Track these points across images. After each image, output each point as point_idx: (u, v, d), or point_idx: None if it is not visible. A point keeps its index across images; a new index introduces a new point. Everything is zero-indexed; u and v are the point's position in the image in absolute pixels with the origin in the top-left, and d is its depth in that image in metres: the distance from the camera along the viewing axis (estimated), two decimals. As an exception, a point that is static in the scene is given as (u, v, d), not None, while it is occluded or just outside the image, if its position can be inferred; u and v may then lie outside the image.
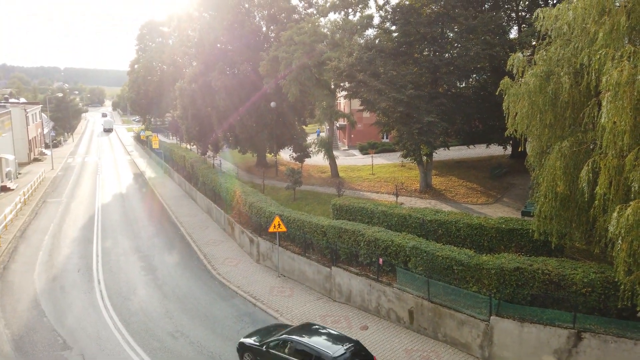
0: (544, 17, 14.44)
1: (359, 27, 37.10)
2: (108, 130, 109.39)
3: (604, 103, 11.64)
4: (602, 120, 11.63)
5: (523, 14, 35.96)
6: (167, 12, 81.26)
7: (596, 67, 12.27)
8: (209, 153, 50.70)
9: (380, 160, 48.11)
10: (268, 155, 49.91)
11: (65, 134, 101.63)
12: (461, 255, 16.42)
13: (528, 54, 15.82)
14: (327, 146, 40.29)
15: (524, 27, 33.86)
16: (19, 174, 52.50)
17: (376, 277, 18.75)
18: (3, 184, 44.17)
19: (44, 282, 23.36)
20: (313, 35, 36.35)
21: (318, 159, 46.35)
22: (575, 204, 13.85)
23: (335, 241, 20.76)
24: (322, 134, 60.76)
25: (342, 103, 58.96)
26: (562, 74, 13.65)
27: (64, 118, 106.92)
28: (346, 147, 63.10)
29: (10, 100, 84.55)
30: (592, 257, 18.45)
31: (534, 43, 28.25)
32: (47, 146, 75.64)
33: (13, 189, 44.10)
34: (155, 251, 27.88)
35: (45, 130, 79.99)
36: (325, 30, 38.69)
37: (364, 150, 55.54)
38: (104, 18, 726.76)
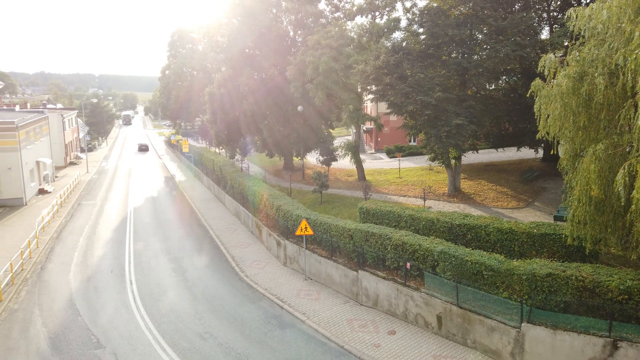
0: (576, 17, 14.09)
1: (386, 30, 37.03)
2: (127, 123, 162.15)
3: (640, 104, 11.28)
4: (639, 122, 11.26)
5: (555, 14, 35.18)
6: (197, 19, 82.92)
7: (632, 67, 11.88)
8: (237, 157, 51.40)
9: (407, 163, 47.75)
10: (295, 158, 50.23)
11: (100, 138, 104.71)
12: (491, 260, 16.12)
13: (560, 54, 15.44)
14: (353, 149, 40.27)
15: (555, 28, 33.11)
16: (56, 177, 54.40)
17: (404, 281, 18.60)
18: (41, 186, 45.84)
19: (78, 282, 24.11)
20: (340, 38, 36.47)
21: (345, 163, 46.37)
22: (610, 208, 13.43)
23: (362, 245, 20.71)
24: (349, 138, 60.67)
25: (369, 106, 58.84)
26: (596, 74, 13.27)
27: (98, 123, 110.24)
28: (373, 151, 62.90)
29: (48, 106, 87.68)
30: (629, 264, 17.88)
31: (566, 44, 27.57)
32: (82, 150, 78.13)
33: (50, 192, 45.71)
34: (185, 253, 28.40)
35: (81, 135, 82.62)
36: (352, 34, 38.79)
37: (391, 154, 55.28)
38: (137, 25, 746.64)
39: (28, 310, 20.99)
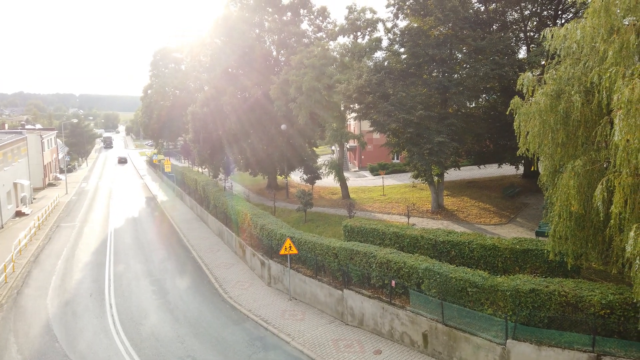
0: (552, 37, 14.48)
1: (367, 49, 37.55)
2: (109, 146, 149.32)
3: (616, 121, 11.53)
4: (615, 138, 11.51)
5: (531, 34, 36.14)
6: (181, 38, 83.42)
7: (607, 85, 12.21)
8: (221, 176, 51.04)
9: (391, 181, 47.99)
10: (279, 177, 50.09)
11: (80, 159, 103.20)
12: (475, 276, 16.15)
13: (537, 73, 15.84)
14: (337, 168, 40.36)
15: (532, 47, 33.97)
16: (34, 199, 53.22)
17: (389, 299, 18.49)
18: (18, 209, 44.75)
19: (56, 307, 23.40)
20: (322, 58, 36.84)
21: (329, 181, 46.39)
22: (590, 223, 13.61)
23: (347, 263, 20.59)
24: (333, 156, 60.85)
25: (352, 124, 59.28)
26: (572, 92, 13.60)
27: (78, 143, 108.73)
28: (357, 169, 63.13)
29: (27, 127, 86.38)
30: (610, 278, 18.07)
31: (543, 63, 28.30)
32: (61, 171, 76.79)
33: (28, 214, 44.65)
34: (167, 275, 27.85)
35: (60, 156, 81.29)
36: (335, 54, 39.21)
37: (375, 172, 55.53)
38: (119, 45, 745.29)
39: (3, 337, 20.24)
